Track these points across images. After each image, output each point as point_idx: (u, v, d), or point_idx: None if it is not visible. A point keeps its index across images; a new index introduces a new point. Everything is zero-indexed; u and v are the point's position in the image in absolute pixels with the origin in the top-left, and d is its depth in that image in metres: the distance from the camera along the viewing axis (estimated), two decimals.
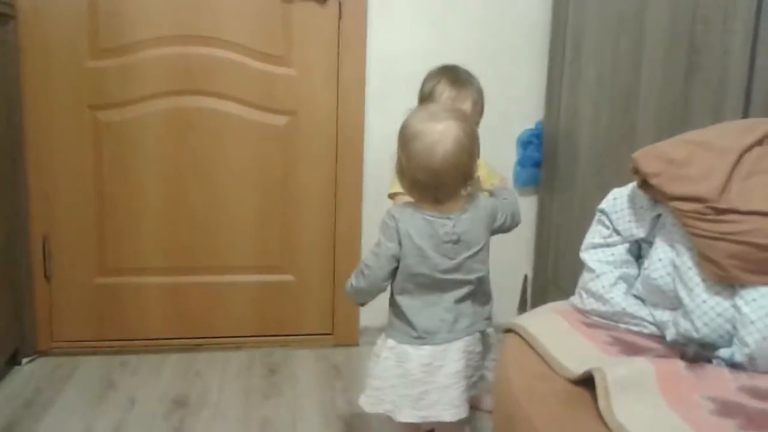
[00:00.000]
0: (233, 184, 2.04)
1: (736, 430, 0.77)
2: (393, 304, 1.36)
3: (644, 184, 1.06)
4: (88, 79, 1.93)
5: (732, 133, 1.05)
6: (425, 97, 1.57)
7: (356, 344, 2.16)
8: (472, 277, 1.32)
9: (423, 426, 1.39)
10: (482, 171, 1.48)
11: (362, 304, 1.41)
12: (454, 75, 1.57)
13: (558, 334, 1.08)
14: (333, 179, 2.08)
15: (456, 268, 1.30)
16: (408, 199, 1.33)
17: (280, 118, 2.03)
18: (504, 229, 1.40)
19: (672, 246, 1.03)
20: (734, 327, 0.93)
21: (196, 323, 2.10)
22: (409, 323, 1.31)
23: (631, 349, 1.00)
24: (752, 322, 0.91)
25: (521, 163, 2.14)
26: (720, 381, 0.88)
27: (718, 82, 1.28)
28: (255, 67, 1.99)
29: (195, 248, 2.06)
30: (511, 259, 2.16)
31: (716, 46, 1.28)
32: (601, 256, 1.13)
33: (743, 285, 0.93)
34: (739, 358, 0.92)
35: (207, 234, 2.06)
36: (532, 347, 1.06)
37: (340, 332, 2.17)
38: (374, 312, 1.46)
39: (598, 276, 1.11)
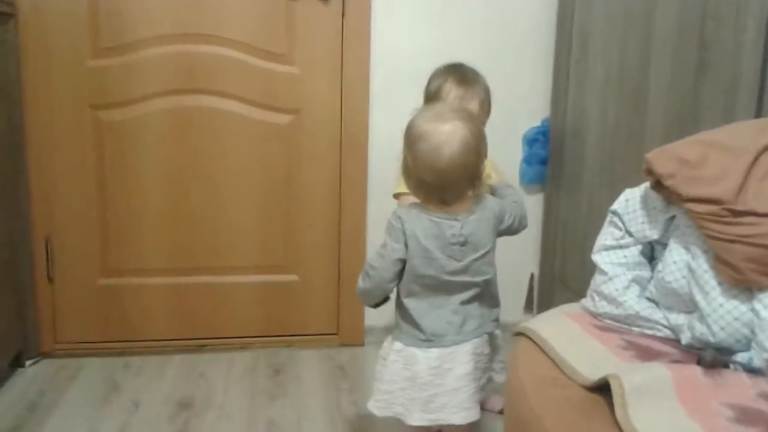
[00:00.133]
0: (236, 183, 2.03)
1: None
2: (400, 306, 1.34)
3: (657, 185, 1.04)
4: (89, 79, 1.91)
5: (746, 134, 1.03)
6: (431, 95, 1.55)
7: (361, 344, 2.15)
8: (479, 279, 1.31)
9: (433, 428, 1.38)
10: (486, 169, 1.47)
11: (375, 307, 1.40)
12: (461, 74, 1.55)
13: (570, 337, 1.06)
14: (337, 178, 2.07)
15: (463, 270, 1.28)
16: (413, 199, 1.32)
17: (283, 117, 2.01)
18: (511, 231, 1.39)
19: (687, 248, 1.01)
20: (752, 331, 0.91)
21: (200, 324, 2.08)
22: (417, 326, 1.30)
23: (645, 354, 0.98)
24: None
25: (527, 160, 2.12)
26: (739, 387, 0.86)
27: (730, 79, 1.25)
28: (257, 65, 1.97)
29: (198, 248, 2.04)
30: (517, 258, 2.15)
31: (727, 43, 1.26)
32: (613, 258, 1.11)
33: (761, 288, 0.91)
34: (757, 363, 0.90)
35: (210, 234, 2.04)
36: (543, 351, 1.04)
37: (345, 332, 2.15)
38: (379, 311, 1.45)
39: (610, 278, 1.09)
